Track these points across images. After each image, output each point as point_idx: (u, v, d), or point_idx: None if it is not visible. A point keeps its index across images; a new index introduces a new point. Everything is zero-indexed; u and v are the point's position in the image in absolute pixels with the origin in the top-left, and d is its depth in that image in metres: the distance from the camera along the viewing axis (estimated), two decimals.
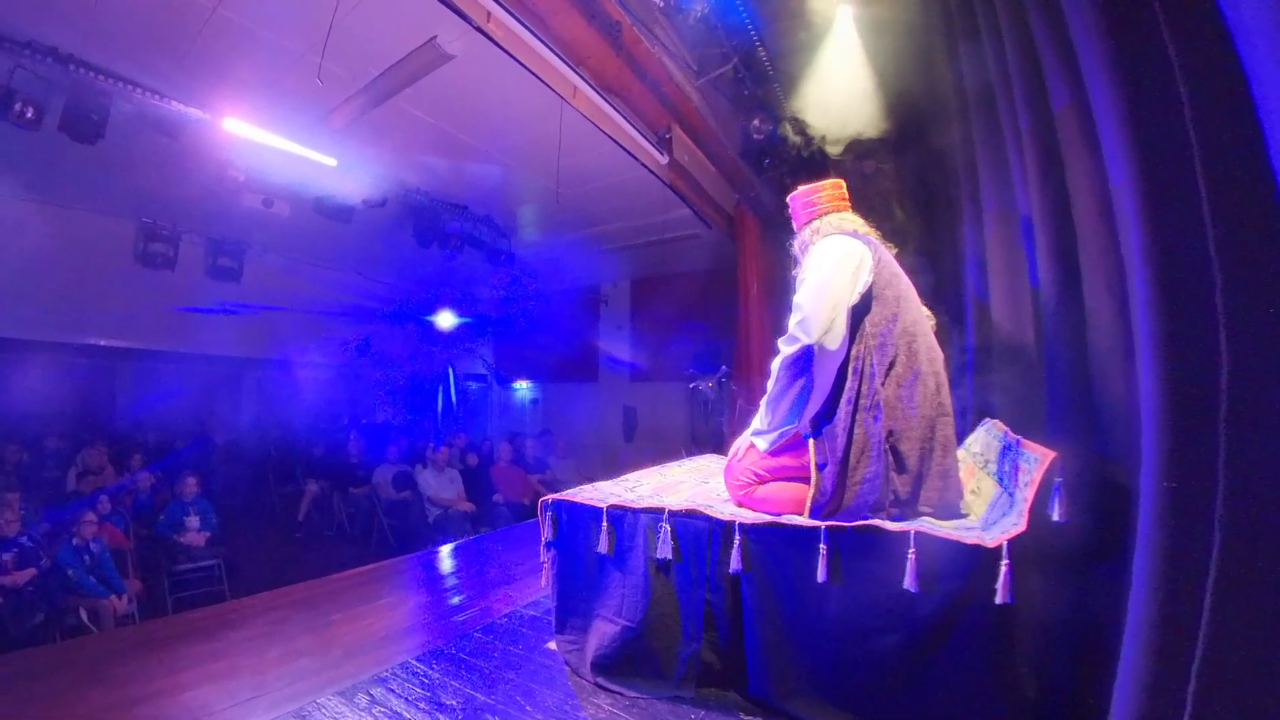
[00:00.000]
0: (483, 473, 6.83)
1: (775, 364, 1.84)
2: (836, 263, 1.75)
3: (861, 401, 1.69)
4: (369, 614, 2.58)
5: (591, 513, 1.99)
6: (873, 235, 1.91)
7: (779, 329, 1.82)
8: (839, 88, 3.58)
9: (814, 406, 1.79)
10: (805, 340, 1.73)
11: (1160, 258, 1.02)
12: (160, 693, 1.90)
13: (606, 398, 9.82)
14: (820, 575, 1.54)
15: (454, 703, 1.80)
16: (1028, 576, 1.36)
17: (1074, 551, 1.45)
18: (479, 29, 3.20)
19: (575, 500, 2.06)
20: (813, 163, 4.10)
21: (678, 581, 1.83)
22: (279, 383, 8.56)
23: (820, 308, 1.72)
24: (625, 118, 4.30)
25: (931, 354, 1.75)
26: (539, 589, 2.72)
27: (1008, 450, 1.78)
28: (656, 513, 1.87)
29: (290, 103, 4.56)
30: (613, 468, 3.31)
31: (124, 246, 6.69)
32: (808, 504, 1.74)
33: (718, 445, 7.03)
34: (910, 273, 1.89)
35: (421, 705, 1.79)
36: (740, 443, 2.00)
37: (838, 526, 1.58)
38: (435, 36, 3.95)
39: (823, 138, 3.79)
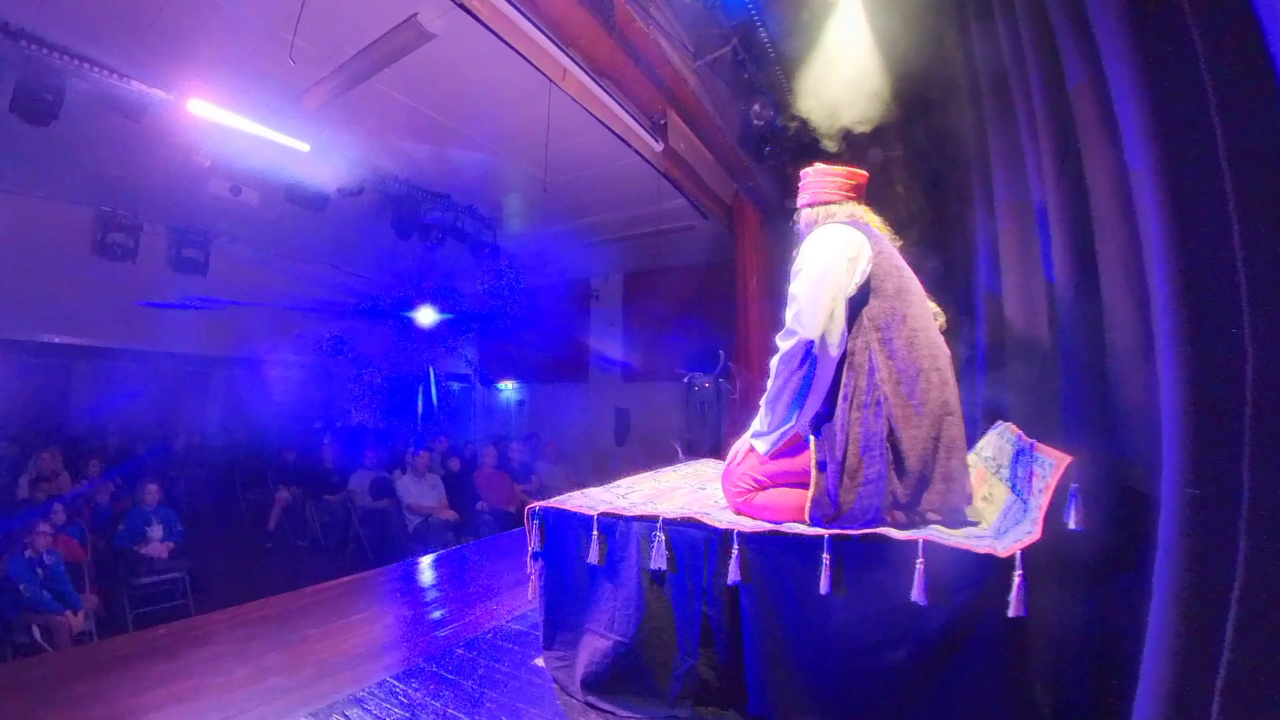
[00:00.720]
0: (465, 479, 6.81)
1: (774, 362, 1.83)
2: (834, 251, 1.75)
3: (860, 398, 1.69)
4: (344, 630, 2.56)
5: (581, 521, 1.98)
6: (877, 226, 1.91)
7: (780, 326, 1.81)
8: (844, 71, 3.58)
9: (813, 405, 1.79)
10: (804, 334, 1.72)
11: (1182, 250, 1.02)
12: (120, 716, 1.88)
13: (597, 399, 9.81)
14: (823, 587, 1.54)
15: None
16: (1043, 588, 1.36)
17: (1091, 561, 1.46)
18: (462, 6, 3.18)
19: (564, 508, 2.05)
20: (816, 151, 4.10)
21: (673, 594, 1.82)
22: (248, 383, 8.51)
23: (818, 298, 1.71)
24: (618, 102, 4.29)
25: (935, 350, 1.75)
26: (525, 602, 2.72)
27: (1021, 454, 1.78)
28: (650, 521, 1.86)
29: (260, 83, 4.52)
30: (604, 473, 3.30)
31: (81, 236, 6.63)
32: (808, 506, 1.73)
33: (715, 449, 7.04)
34: (918, 267, 1.89)
35: None
36: (739, 446, 2.00)
37: (841, 535, 1.58)
38: (416, 14, 3.93)
39: (827, 124, 3.80)
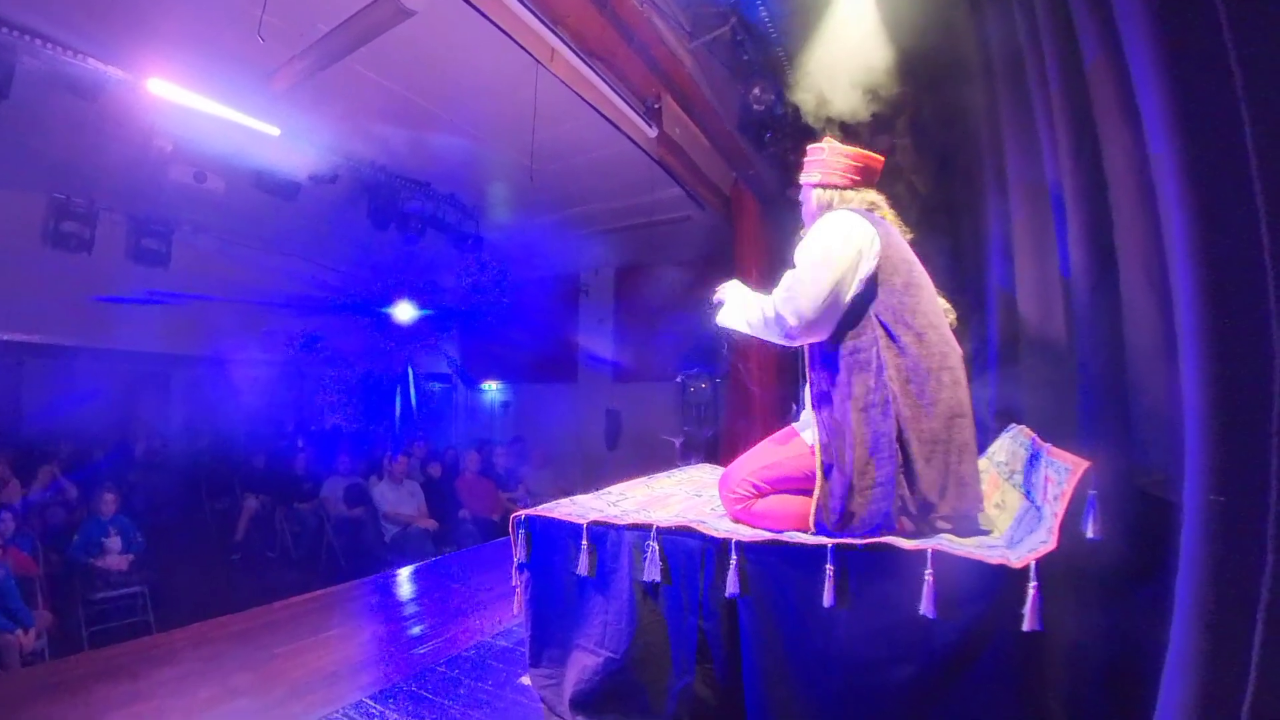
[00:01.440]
0: (446, 485, 6.80)
1: (745, 315, 1.93)
2: (844, 238, 1.74)
3: (868, 397, 1.70)
4: (316, 647, 2.55)
5: (570, 530, 1.98)
6: (890, 218, 1.91)
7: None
8: (849, 52, 3.59)
9: (818, 404, 1.80)
10: (790, 324, 1.74)
11: (1206, 242, 1.02)
12: None
13: (587, 400, 9.80)
14: (827, 599, 1.54)
15: None
16: (1059, 600, 1.36)
17: (1110, 572, 1.46)
18: None
19: (552, 516, 2.05)
20: (819, 137, 4.10)
21: (667, 607, 1.82)
22: (213, 383, 8.44)
23: (820, 282, 1.70)
24: (609, 85, 4.28)
25: (946, 348, 1.75)
26: (510, 617, 2.71)
27: (1035, 459, 1.79)
28: (643, 530, 1.86)
29: (226, 62, 4.48)
30: (594, 479, 3.31)
31: (31, 226, 6.54)
32: (812, 513, 1.73)
33: (712, 454, 7.05)
34: (926, 260, 1.90)
35: None
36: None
37: (846, 545, 1.58)
38: None
39: (830, 109, 3.80)
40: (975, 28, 3.24)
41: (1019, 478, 1.91)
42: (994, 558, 1.38)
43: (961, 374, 1.76)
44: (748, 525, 1.88)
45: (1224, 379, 0.99)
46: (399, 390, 10.24)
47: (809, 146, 2.03)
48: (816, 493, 1.74)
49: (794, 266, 1.79)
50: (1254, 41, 0.96)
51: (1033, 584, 1.30)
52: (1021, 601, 1.31)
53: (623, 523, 1.91)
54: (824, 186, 1.94)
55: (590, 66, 4.08)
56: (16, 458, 6.15)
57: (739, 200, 6.23)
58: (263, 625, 2.81)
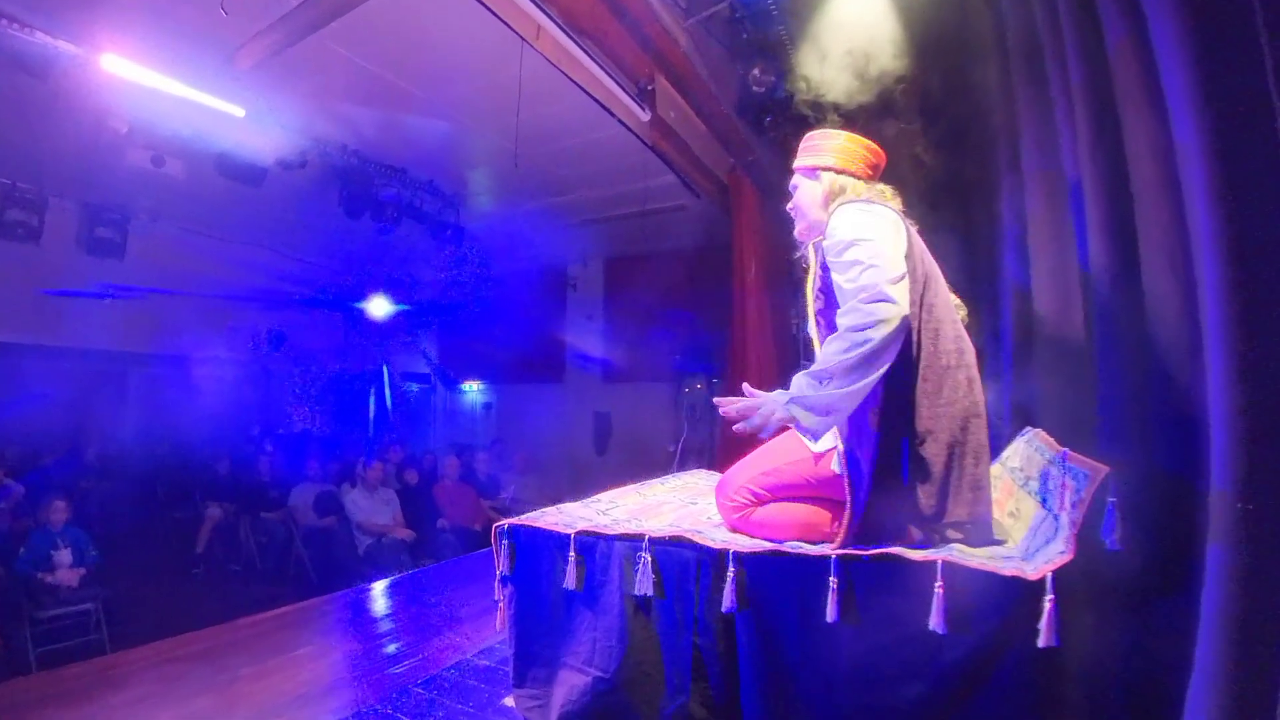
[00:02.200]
0: (424, 493, 6.79)
1: (841, 353, 1.57)
2: (888, 224, 1.71)
3: (882, 399, 1.70)
4: (284, 667, 2.54)
5: (557, 540, 1.98)
6: (895, 207, 1.92)
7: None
8: (856, 31, 3.59)
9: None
10: (901, 309, 1.56)
11: (1234, 234, 1.03)
12: None
13: (574, 402, 9.80)
14: (830, 614, 1.54)
15: None
16: (1077, 614, 1.37)
17: (1131, 585, 1.47)
18: None
19: (537, 526, 2.04)
20: (822, 122, 4.11)
21: (661, 622, 1.82)
22: (172, 383, 8.39)
23: (897, 263, 1.62)
24: (599, 64, 4.27)
25: (961, 345, 1.76)
26: (493, 633, 2.70)
27: (1052, 465, 1.79)
28: (635, 540, 1.85)
29: (186, 37, 4.45)
30: (582, 486, 3.30)
31: None
32: (842, 532, 1.71)
33: (708, 459, 7.06)
34: (936, 251, 1.90)
35: None
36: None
37: (851, 556, 1.58)
38: None
39: (835, 91, 3.81)
40: (989, 5, 3.25)
41: (1034, 484, 1.92)
42: (1008, 569, 1.39)
43: (975, 371, 1.77)
44: (746, 535, 1.88)
45: (1253, 378, 0.99)
46: (373, 391, 10.20)
47: (816, 131, 2.03)
48: (849, 500, 1.72)
49: (837, 258, 1.68)
50: None
51: (1049, 597, 1.31)
52: (1037, 616, 1.31)
53: (613, 533, 1.91)
54: (838, 171, 1.93)
55: (578, 44, 4.06)
56: None
57: (737, 188, 6.23)
58: (226, 644, 2.79)
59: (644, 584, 1.80)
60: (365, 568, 5.78)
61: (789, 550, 1.70)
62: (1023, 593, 1.34)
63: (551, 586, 1.98)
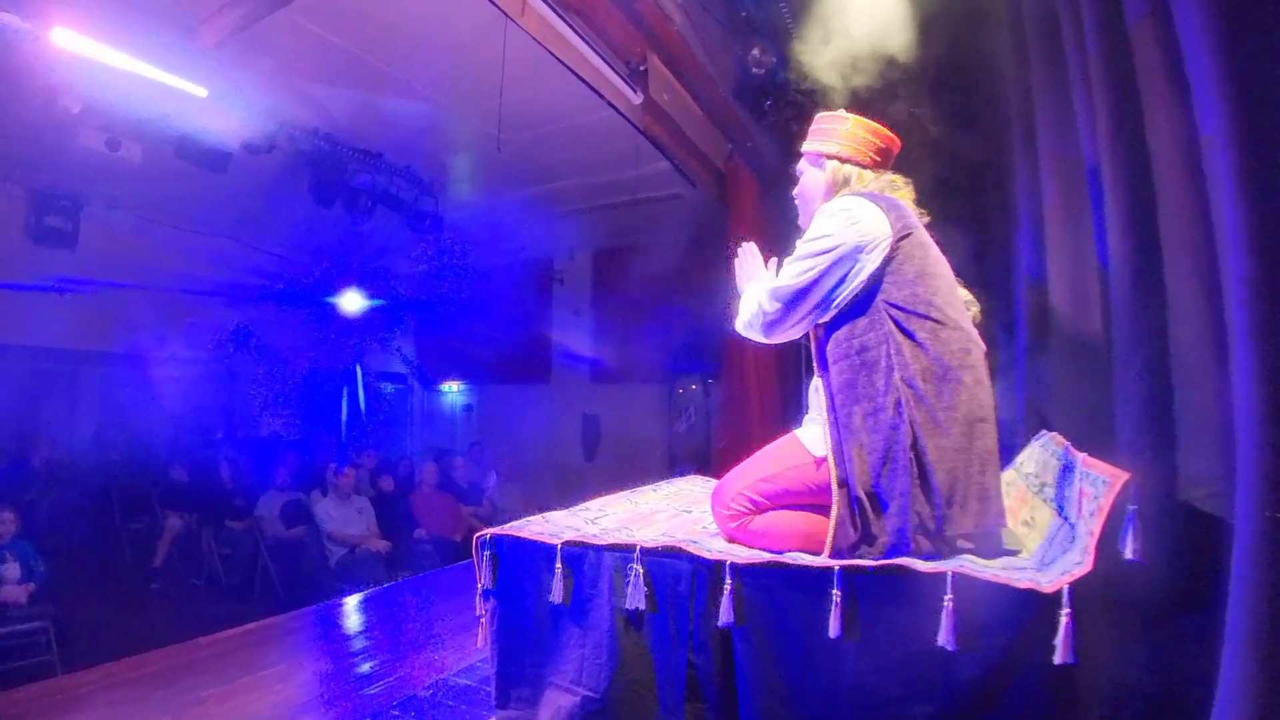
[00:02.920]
0: (400, 501, 6.78)
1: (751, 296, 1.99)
2: (850, 225, 1.77)
3: (878, 400, 1.71)
4: (250, 689, 2.52)
5: (542, 551, 1.97)
6: (906, 199, 1.92)
7: None
8: (862, 7, 3.60)
9: (825, 410, 1.81)
10: (768, 310, 1.88)
11: (1261, 227, 1.04)
12: None
13: (561, 403, 9.80)
14: (833, 629, 1.54)
15: None
16: (1095, 629, 1.38)
17: (1152, 598, 1.48)
18: None
19: (521, 535, 2.04)
20: (826, 105, 4.11)
21: (653, 639, 1.82)
22: (128, 384, 8.33)
23: (808, 276, 1.80)
24: (588, 43, 4.27)
25: (968, 343, 1.77)
26: (474, 651, 2.70)
27: (1069, 471, 1.80)
28: (625, 551, 1.85)
29: (145, 10, 4.42)
30: (569, 493, 3.30)
31: None
32: (830, 536, 1.74)
33: (703, 464, 7.07)
34: (946, 245, 1.91)
35: None
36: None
37: (855, 567, 1.58)
38: None
39: (840, 73, 3.81)
40: None
41: (1050, 491, 1.93)
42: (1022, 581, 1.39)
43: (984, 372, 1.77)
44: (744, 545, 1.88)
45: None
46: (345, 392, 10.14)
47: (824, 114, 2.04)
48: (835, 509, 1.74)
49: (794, 254, 1.84)
50: None
51: (1065, 611, 1.31)
52: (1053, 631, 1.31)
53: (602, 543, 1.91)
54: (843, 160, 1.96)
55: (566, 21, 4.06)
56: None
57: (734, 176, 6.24)
58: (187, 664, 2.77)
59: (635, 597, 1.80)
60: (337, 581, 5.77)
61: (789, 561, 1.70)
62: (1038, 606, 1.34)
63: (536, 601, 1.98)
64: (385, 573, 5.88)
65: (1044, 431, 2.36)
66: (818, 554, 1.77)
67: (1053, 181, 2.60)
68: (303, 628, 3.26)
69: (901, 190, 1.95)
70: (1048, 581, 1.36)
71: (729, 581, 1.69)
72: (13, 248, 7.03)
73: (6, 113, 5.45)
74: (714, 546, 1.85)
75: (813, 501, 1.86)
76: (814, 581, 1.61)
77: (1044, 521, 1.85)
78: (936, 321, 1.74)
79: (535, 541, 2.00)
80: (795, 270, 1.81)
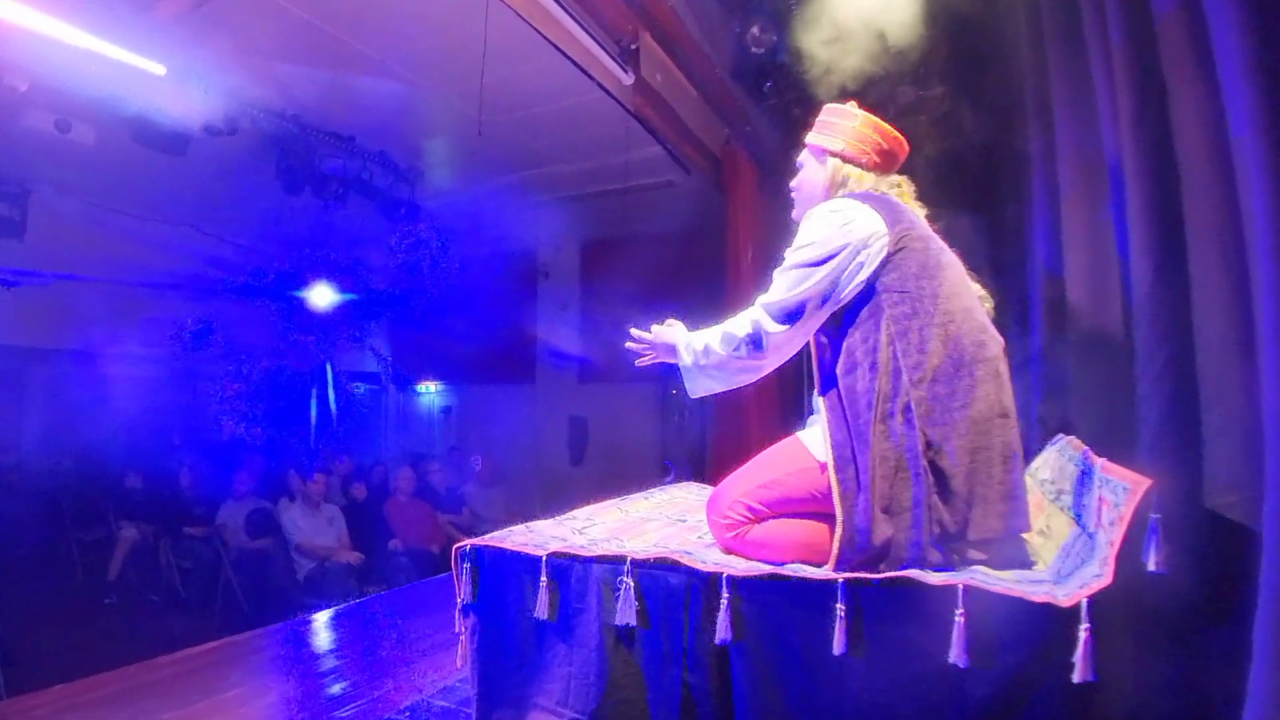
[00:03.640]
0: (374, 510, 6.76)
1: (715, 336, 2.01)
2: (842, 228, 1.80)
3: (884, 405, 1.72)
4: (212, 712, 2.52)
5: (526, 563, 1.97)
6: (906, 198, 1.94)
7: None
8: None
9: (827, 415, 1.81)
10: (770, 331, 1.86)
11: None
12: None
13: (546, 405, 9.80)
14: (838, 646, 1.55)
15: None
16: (1115, 645, 1.38)
17: (1176, 612, 1.48)
18: None
19: (504, 547, 2.04)
20: (829, 88, 4.12)
21: (644, 656, 1.82)
22: (79, 383, 8.27)
23: (805, 322, 1.83)
24: (576, 20, 4.26)
25: (982, 337, 1.78)
26: (453, 670, 2.69)
27: (1087, 477, 1.81)
28: (615, 562, 1.85)
29: None
30: (555, 501, 3.31)
31: None
32: (835, 551, 1.74)
33: (698, 470, 7.08)
34: (957, 238, 1.92)
35: None
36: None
37: (860, 579, 1.59)
38: None
39: (844, 54, 3.82)
40: None
41: (1067, 498, 1.94)
42: (1038, 594, 1.40)
43: (1003, 366, 1.79)
44: (742, 556, 1.88)
45: None
46: (315, 393, 10.09)
47: (834, 106, 2.05)
48: (840, 526, 1.74)
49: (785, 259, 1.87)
50: None
51: (1084, 626, 1.32)
52: (1071, 647, 1.32)
53: (590, 554, 1.91)
54: (845, 159, 1.98)
55: None
56: None
57: (732, 163, 6.24)
58: (144, 686, 2.76)
59: (626, 613, 1.80)
60: (306, 596, 5.78)
61: (790, 574, 1.70)
62: (1055, 621, 1.35)
63: (520, 616, 1.98)
64: (357, 587, 5.89)
65: (1060, 435, 2.37)
66: (821, 565, 1.77)
67: (1071, 171, 2.61)
68: (268, 646, 3.26)
69: (902, 190, 1.97)
70: (1065, 595, 1.37)
71: (726, 595, 1.69)
72: None
73: None
74: (710, 558, 1.86)
75: (816, 510, 1.86)
76: (816, 595, 1.62)
77: (1061, 531, 1.86)
78: (946, 315, 1.75)
79: (518, 553, 2.00)
80: (791, 280, 1.83)
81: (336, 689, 2.71)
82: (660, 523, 2.43)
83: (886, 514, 1.70)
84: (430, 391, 11.10)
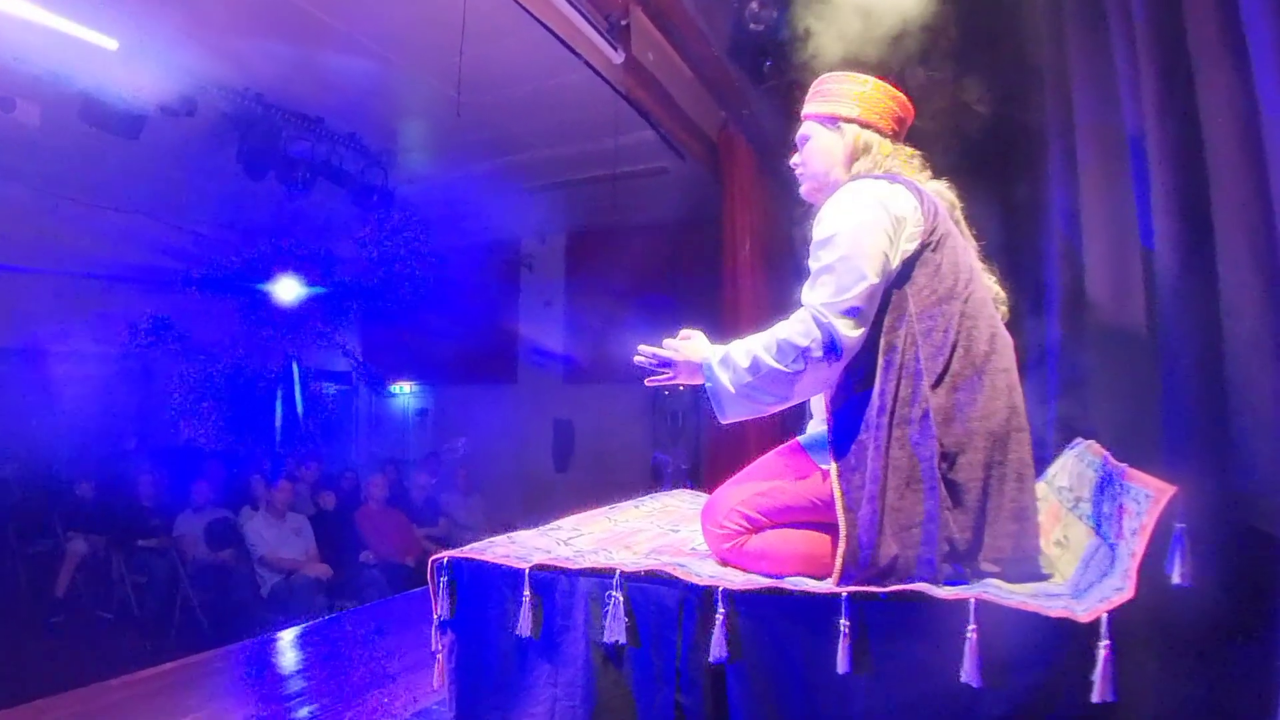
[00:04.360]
0: (344, 520, 6.75)
1: (762, 348, 1.78)
2: (880, 205, 1.75)
3: (901, 411, 1.71)
4: None
5: (508, 576, 1.97)
6: (923, 179, 1.93)
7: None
8: None
9: (826, 419, 1.81)
10: (843, 334, 1.70)
11: None
12: None
13: (530, 407, 9.80)
14: (842, 665, 1.55)
15: None
16: (1137, 663, 1.39)
17: (1202, 628, 1.49)
18: None
19: (484, 559, 2.03)
20: (833, 67, 4.12)
21: (635, 676, 1.82)
22: (23, 383, 8.23)
23: (870, 266, 1.70)
24: None
25: (999, 345, 1.78)
26: (430, 691, 2.69)
27: (1107, 484, 1.82)
28: (604, 575, 1.85)
29: None
30: (539, 509, 3.30)
31: None
32: (838, 565, 1.73)
33: (693, 476, 7.09)
34: (970, 222, 1.92)
35: None
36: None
37: (866, 594, 1.59)
38: None
39: (850, 30, 3.83)
40: None
41: (1086, 507, 1.95)
42: (1055, 609, 1.40)
43: (1016, 377, 1.78)
44: (738, 569, 1.88)
45: None
46: (280, 393, 10.08)
47: (833, 74, 2.04)
48: (843, 538, 1.73)
49: (811, 253, 1.80)
50: None
51: (1104, 643, 1.32)
52: (1091, 665, 1.32)
53: (577, 567, 1.91)
54: (864, 125, 1.95)
55: None
56: None
57: (729, 148, 6.25)
58: (98, 709, 2.75)
59: (615, 629, 1.79)
60: (270, 613, 5.75)
61: (790, 587, 1.70)
62: (1073, 637, 1.36)
63: (501, 633, 1.97)
64: (326, 602, 5.87)
65: (1079, 439, 2.38)
66: (823, 579, 1.77)
67: (1091, 156, 2.62)
68: (230, 667, 3.25)
69: (920, 172, 1.95)
70: (1084, 610, 1.37)
71: (722, 610, 1.69)
72: None
73: None
74: (704, 570, 1.86)
75: (818, 519, 1.86)
76: (819, 610, 1.62)
77: (1079, 541, 1.86)
78: (967, 318, 1.74)
79: (500, 565, 1.99)
80: (850, 272, 1.71)
81: (304, 712, 2.71)
82: (651, 533, 2.43)
83: (894, 528, 1.69)
84: (405, 392, 11.08)
